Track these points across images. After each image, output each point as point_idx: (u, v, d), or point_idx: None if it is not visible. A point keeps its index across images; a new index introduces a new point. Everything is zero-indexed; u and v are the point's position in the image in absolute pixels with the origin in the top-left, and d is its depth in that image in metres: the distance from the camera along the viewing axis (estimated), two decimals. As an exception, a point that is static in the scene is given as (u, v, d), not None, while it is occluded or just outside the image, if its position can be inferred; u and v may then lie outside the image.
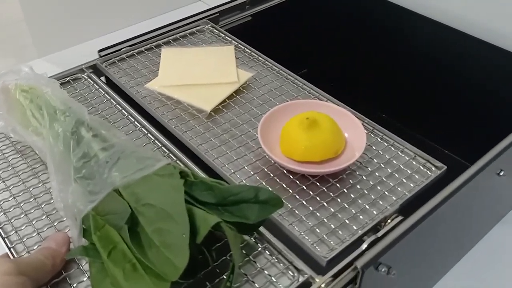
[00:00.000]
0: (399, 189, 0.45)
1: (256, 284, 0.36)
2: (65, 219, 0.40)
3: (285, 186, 0.44)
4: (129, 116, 0.53)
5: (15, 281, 0.32)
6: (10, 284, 0.32)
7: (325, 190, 0.44)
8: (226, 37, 0.65)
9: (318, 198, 0.43)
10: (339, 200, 0.43)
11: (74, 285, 0.36)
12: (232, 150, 0.49)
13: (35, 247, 0.39)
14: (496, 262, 0.59)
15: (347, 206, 0.43)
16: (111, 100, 0.54)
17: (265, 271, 0.37)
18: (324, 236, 0.40)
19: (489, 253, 0.61)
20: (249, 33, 0.69)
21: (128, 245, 0.34)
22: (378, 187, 0.45)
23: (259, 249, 0.38)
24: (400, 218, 0.41)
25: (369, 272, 0.37)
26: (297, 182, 0.45)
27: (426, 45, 0.69)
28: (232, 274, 0.33)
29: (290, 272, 0.37)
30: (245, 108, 0.54)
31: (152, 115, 0.54)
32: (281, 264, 0.37)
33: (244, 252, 0.38)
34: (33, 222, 0.41)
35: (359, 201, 0.43)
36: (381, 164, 0.47)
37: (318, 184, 0.45)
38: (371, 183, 0.45)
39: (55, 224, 0.40)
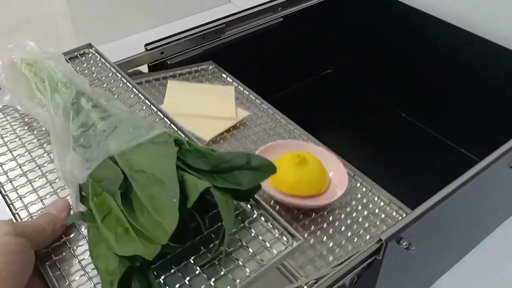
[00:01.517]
0: (372, 230, 0.49)
1: (250, 249, 0.35)
2: (67, 187, 0.41)
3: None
4: (133, 89, 0.52)
5: (14, 241, 0.32)
6: (9, 243, 0.31)
7: (306, 223, 0.48)
8: (228, 78, 0.69)
9: (301, 229, 0.48)
10: (318, 233, 0.48)
11: (74, 249, 0.37)
12: None
13: (38, 213, 0.39)
14: (507, 254, 0.62)
15: (324, 240, 0.47)
16: (117, 73, 0.53)
17: (260, 237, 0.36)
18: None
19: (501, 245, 0.63)
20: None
21: (121, 209, 0.34)
22: (354, 226, 0.49)
23: (255, 215, 0.38)
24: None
25: (391, 245, 0.41)
26: (282, 213, 0.49)
27: (445, 48, 0.73)
28: (224, 239, 0.33)
29: (284, 237, 0.36)
30: (241, 142, 0.57)
31: None
32: (276, 230, 0.36)
33: (239, 218, 0.37)
34: (37, 190, 0.41)
35: (336, 235, 0.48)
36: (359, 207, 0.51)
37: (300, 216, 0.49)
38: (348, 222, 0.49)
39: (58, 191, 0.41)
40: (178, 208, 0.31)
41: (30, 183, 0.42)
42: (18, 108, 0.48)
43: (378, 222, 0.49)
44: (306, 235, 0.47)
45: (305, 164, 0.49)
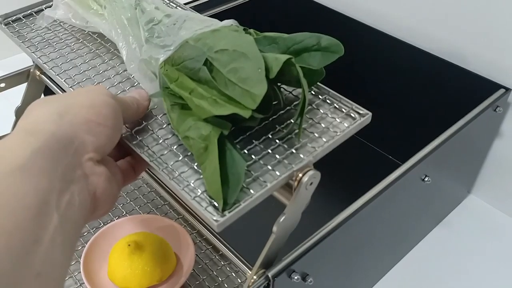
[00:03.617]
0: None
1: (322, 124, 0.39)
2: (136, 83, 0.44)
3: None
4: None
5: (112, 102, 0.34)
6: (112, 103, 0.34)
7: None
8: None
9: None
10: None
11: (155, 131, 0.39)
12: None
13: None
14: (434, 264, 0.59)
15: None
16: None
17: (329, 115, 0.39)
18: None
19: (427, 255, 0.59)
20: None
21: (208, 80, 0.35)
22: None
23: (320, 100, 0.41)
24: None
25: (281, 281, 0.38)
26: None
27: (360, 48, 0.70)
28: (303, 110, 0.35)
29: (352, 114, 0.39)
30: None
31: None
32: (343, 109, 0.39)
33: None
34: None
35: None
36: None
37: None
38: None
39: (126, 88, 0.44)
40: (264, 76, 0.33)
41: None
42: (67, 25, 0.53)
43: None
44: None
45: (138, 253, 0.44)
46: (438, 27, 0.66)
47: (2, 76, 0.60)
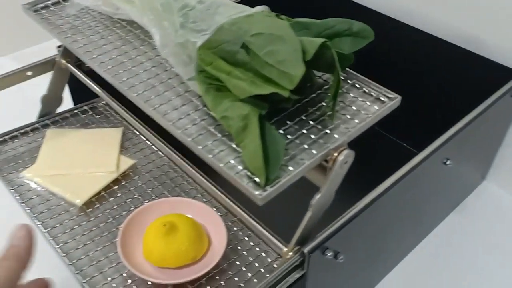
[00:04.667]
0: None
1: (353, 107, 0.40)
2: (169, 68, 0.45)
3: None
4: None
5: None
6: None
7: None
8: (118, 118, 0.65)
9: None
10: None
11: (191, 113, 0.41)
12: (97, 250, 0.48)
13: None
14: (451, 250, 0.59)
15: None
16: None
17: (359, 98, 0.41)
18: None
19: (444, 241, 0.60)
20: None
21: (245, 63, 0.37)
22: None
23: (349, 84, 0.42)
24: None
25: (316, 257, 0.40)
26: None
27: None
28: (337, 92, 0.37)
29: (381, 97, 0.41)
30: (118, 201, 0.53)
31: (22, 208, 0.52)
32: (373, 93, 0.41)
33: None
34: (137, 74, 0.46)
35: None
36: (243, 267, 0.46)
37: None
38: None
39: (158, 74, 0.45)
40: (302, 57, 0.35)
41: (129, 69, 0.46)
42: (95, 13, 0.55)
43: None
44: None
45: (173, 233, 0.44)
46: (453, 14, 0.66)
47: (28, 65, 0.61)
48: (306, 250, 0.39)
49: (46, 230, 0.49)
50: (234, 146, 0.37)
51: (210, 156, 0.36)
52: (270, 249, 0.48)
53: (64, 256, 0.47)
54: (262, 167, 0.33)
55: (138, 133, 0.63)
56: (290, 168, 0.35)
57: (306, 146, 0.37)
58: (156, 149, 0.60)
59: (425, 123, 0.69)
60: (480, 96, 0.56)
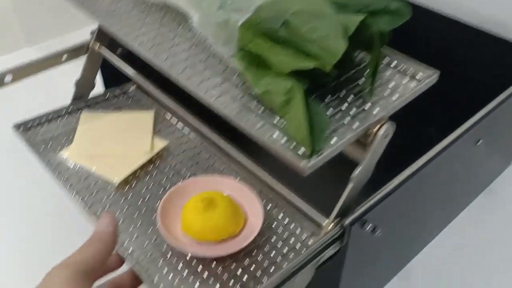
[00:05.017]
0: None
1: (390, 84, 0.41)
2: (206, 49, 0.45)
3: (179, 268, 0.45)
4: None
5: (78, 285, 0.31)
6: None
7: (219, 272, 0.45)
8: (150, 101, 0.66)
9: (212, 279, 0.44)
10: (232, 281, 0.44)
11: (231, 91, 0.41)
12: (135, 227, 0.49)
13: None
14: (479, 232, 0.60)
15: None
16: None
17: (396, 76, 0.42)
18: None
19: (472, 223, 0.61)
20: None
21: (286, 40, 0.37)
22: (273, 268, 0.45)
23: (386, 61, 0.43)
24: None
25: (355, 230, 0.40)
26: (194, 261, 0.46)
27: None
28: (378, 62, 0.38)
29: (419, 74, 0.41)
30: (154, 180, 0.55)
31: (60, 187, 0.54)
32: (410, 70, 0.42)
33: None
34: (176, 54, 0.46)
35: (252, 283, 0.44)
36: (279, 243, 0.47)
37: (214, 263, 0.45)
38: (266, 263, 0.45)
39: (197, 53, 0.46)
40: (343, 33, 0.36)
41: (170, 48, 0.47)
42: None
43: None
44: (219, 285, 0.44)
45: (211, 209, 0.46)
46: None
47: (63, 49, 0.62)
48: (346, 222, 0.40)
49: (86, 207, 0.51)
50: (275, 122, 0.38)
51: (254, 129, 0.37)
52: (305, 226, 0.49)
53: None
54: (308, 138, 0.34)
55: (169, 117, 0.64)
56: (333, 140, 0.36)
57: (346, 121, 0.38)
58: (188, 132, 0.62)
59: (454, 108, 0.67)
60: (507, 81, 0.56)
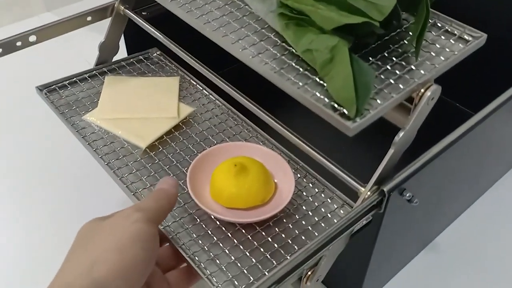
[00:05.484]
0: None
1: (436, 45, 0.40)
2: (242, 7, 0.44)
3: (210, 232, 0.44)
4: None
5: (147, 229, 0.36)
6: (143, 231, 0.36)
7: (250, 238, 0.44)
8: (173, 67, 0.64)
9: (241, 246, 0.43)
10: (262, 249, 0.43)
11: (270, 47, 0.40)
12: None
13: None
14: (508, 208, 0.60)
15: (269, 257, 0.42)
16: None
17: (442, 37, 0.41)
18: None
19: (501, 198, 0.61)
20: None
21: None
22: (303, 237, 0.44)
23: (431, 23, 0.41)
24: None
25: (394, 197, 0.39)
26: (223, 228, 0.45)
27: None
28: (427, 20, 0.36)
29: (465, 36, 0.40)
30: (181, 146, 0.53)
31: (87, 149, 0.53)
32: (456, 32, 0.41)
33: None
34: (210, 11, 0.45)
35: (282, 250, 0.42)
36: (309, 212, 0.46)
37: (243, 231, 0.44)
38: (296, 232, 0.44)
39: (232, 11, 0.44)
40: None
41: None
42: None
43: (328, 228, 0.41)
44: (247, 253, 0.42)
45: (243, 174, 0.44)
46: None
47: (87, 10, 0.61)
48: (386, 189, 0.38)
49: (113, 170, 0.50)
50: (317, 79, 0.37)
51: (296, 87, 0.36)
52: (337, 195, 0.47)
53: (132, 194, 0.47)
54: (353, 98, 0.33)
55: (195, 83, 0.62)
56: (378, 101, 0.35)
57: (392, 81, 0.36)
58: (214, 98, 0.60)
59: (486, 87, 0.65)
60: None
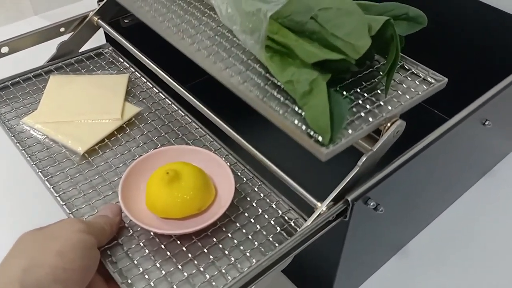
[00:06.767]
0: (262, 249, 0.42)
1: (403, 85, 0.42)
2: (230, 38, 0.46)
3: (142, 244, 0.42)
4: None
5: (88, 239, 0.37)
6: (83, 240, 0.36)
7: (184, 249, 0.42)
8: (125, 63, 0.63)
9: (174, 259, 0.41)
10: (196, 262, 0.41)
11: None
12: (98, 199, 0.46)
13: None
14: (480, 215, 0.61)
15: (202, 270, 0.40)
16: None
17: (408, 78, 0.43)
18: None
19: (473, 205, 0.62)
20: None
21: (312, 33, 0.39)
22: (241, 247, 0.42)
23: (399, 65, 0.44)
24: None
25: (358, 206, 0.40)
26: (157, 239, 0.42)
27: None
28: (396, 62, 0.39)
29: (429, 79, 0.43)
30: (122, 150, 0.51)
31: (22, 155, 0.50)
32: (420, 74, 0.44)
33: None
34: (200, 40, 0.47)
35: (217, 263, 0.41)
36: (251, 220, 0.44)
37: (178, 242, 0.42)
38: (235, 241, 0.42)
39: (221, 41, 0.46)
40: (367, 31, 0.38)
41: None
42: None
43: (271, 238, 0.43)
44: (179, 267, 0.40)
45: (177, 181, 0.42)
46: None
47: (60, 21, 0.61)
48: (350, 198, 0.40)
49: (45, 178, 0.47)
50: (296, 109, 0.39)
51: (277, 115, 0.38)
52: (281, 201, 0.46)
53: (63, 204, 0.45)
54: (328, 126, 0.36)
55: (145, 81, 0.60)
56: (349, 131, 0.38)
57: (362, 114, 0.39)
58: (164, 97, 0.58)
59: (462, 92, 0.61)
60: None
